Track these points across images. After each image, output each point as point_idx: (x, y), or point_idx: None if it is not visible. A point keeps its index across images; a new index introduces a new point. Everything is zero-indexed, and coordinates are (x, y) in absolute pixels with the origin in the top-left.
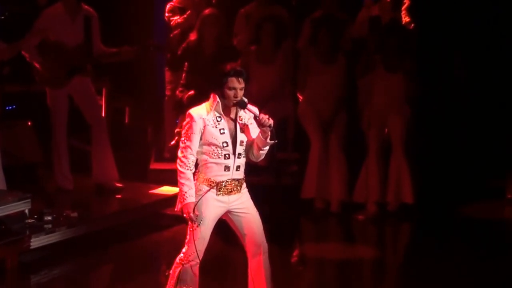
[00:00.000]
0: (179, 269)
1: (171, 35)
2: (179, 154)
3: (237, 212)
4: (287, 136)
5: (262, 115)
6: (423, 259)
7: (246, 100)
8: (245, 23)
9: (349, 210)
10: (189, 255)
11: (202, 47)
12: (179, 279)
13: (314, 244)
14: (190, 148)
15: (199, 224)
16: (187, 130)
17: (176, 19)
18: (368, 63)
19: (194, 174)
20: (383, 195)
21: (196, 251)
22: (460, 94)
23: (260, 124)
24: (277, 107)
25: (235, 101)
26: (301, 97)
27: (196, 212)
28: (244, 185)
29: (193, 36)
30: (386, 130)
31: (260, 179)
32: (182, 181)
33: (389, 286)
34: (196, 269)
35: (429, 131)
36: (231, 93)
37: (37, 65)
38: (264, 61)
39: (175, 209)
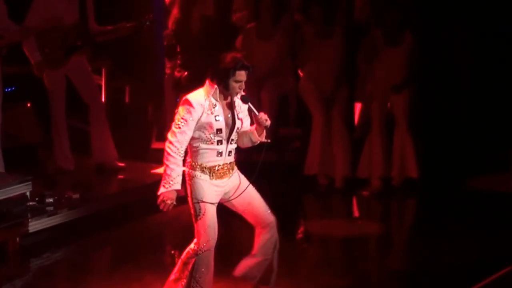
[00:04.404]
0: (193, 259)
1: (166, 31)
2: (171, 137)
3: (230, 194)
4: (289, 112)
5: (261, 114)
6: (428, 233)
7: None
8: None
9: (353, 186)
10: (203, 245)
11: (189, 26)
12: (194, 269)
13: (319, 221)
14: (185, 133)
15: (200, 214)
16: (184, 115)
17: None
18: (372, 45)
19: (184, 160)
20: (388, 170)
21: (209, 239)
22: (465, 66)
23: (257, 122)
24: (278, 83)
25: (238, 93)
26: (301, 73)
27: (174, 202)
28: (235, 165)
29: (176, 12)
30: (389, 104)
31: (262, 156)
32: (172, 166)
33: (395, 261)
34: (212, 257)
35: (433, 104)
36: (236, 85)
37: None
38: (264, 37)
39: (158, 192)
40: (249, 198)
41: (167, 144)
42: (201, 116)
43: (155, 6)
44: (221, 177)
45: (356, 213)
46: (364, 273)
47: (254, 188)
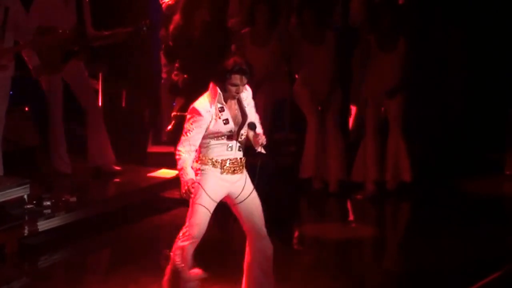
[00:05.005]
0: (186, 243)
1: (163, 30)
2: (180, 147)
3: (238, 195)
4: (284, 116)
5: (261, 136)
6: (422, 236)
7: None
8: (239, 4)
9: (348, 190)
10: (191, 234)
11: (191, 30)
12: (183, 257)
13: (313, 224)
14: (194, 141)
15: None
16: (191, 124)
17: (167, 1)
18: (366, 49)
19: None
20: (382, 174)
21: (198, 230)
22: (458, 69)
23: (255, 141)
24: (273, 88)
25: (235, 96)
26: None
27: (193, 186)
28: (244, 166)
29: (177, 18)
30: (382, 108)
31: (257, 159)
32: (181, 164)
33: (389, 264)
34: (193, 249)
35: (427, 108)
36: (233, 89)
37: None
38: (258, 43)
39: (180, 193)
40: (251, 208)
41: (176, 153)
42: (209, 123)
43: (152, 11)
44: (232, 172)
45: (350, 217)
46: (359, 275)
47: (259, 200)
